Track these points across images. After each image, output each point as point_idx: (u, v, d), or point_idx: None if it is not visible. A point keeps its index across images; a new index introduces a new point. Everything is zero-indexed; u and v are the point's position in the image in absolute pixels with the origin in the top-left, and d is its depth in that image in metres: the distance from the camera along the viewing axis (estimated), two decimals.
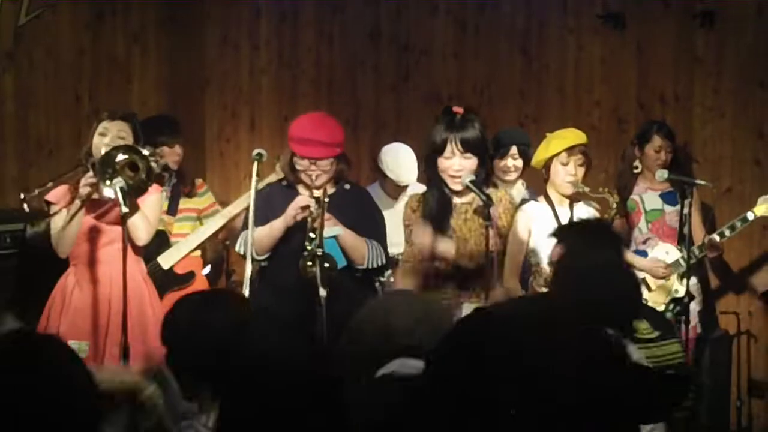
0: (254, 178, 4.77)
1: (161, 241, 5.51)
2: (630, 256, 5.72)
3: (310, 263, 4.54)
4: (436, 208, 4.63)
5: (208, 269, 6.12)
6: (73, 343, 4.79)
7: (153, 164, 4.74)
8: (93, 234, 4.93)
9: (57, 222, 4.88)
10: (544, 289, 5.00)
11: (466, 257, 4.63)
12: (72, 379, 2.02)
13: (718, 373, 5.99)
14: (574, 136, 5.16)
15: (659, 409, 2.65)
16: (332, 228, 4.75)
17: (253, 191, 4.73)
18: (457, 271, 4.63)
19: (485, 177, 4.69)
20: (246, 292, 4.52)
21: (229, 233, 5.84)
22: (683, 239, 5.60)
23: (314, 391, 2.16)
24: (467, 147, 4.53)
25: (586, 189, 5.07)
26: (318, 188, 4.80)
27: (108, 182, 4.62)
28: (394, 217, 5.31)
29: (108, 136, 4.88)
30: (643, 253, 5.82)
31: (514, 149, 5.63)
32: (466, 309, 4.51)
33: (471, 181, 4.55)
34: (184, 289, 5.67)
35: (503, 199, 4.73)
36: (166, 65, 7.05)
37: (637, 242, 5.91)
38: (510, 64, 6.85)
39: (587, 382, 1.76)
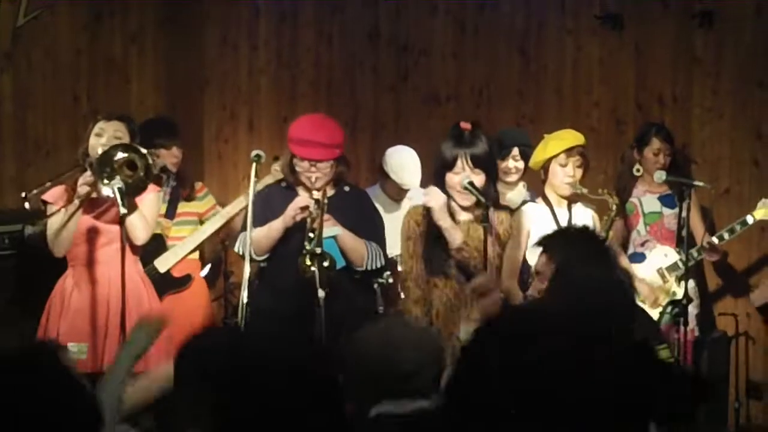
0: (252, 179, 4.77)
1: (158, 244, 5.51)
2: (625, 264, 5.73)
3: (308, 262, 4.55)
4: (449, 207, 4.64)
5: (206, 270, 6.12)
6: (72, 345, 4.81)
7: (151, 162, 4.75)
8: (91, 234, 4.93)
9: (54, 222, 4.87)
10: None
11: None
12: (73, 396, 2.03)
13: (717, 374, 5.99)
14: (572, 137, 5.16)
15: (685, 409, 2.62)
16: (331, 228, 4.76)
17: (251, 192, 4.73)
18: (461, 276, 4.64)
19: (494, 191, 4.70)
20: (244, 293, 4.53)
21: (228, 234, 5.83)
22: (682, 242, 5.60)
23: (315, 391, 2.16)
24: (477, 162, 4.56)
25: (585, 190, 5.07)
26: (318, 190, 4.80)
27: (106, 181, 4.63)
28: (394, 219, 5.31)
29: (104, 136, 4.89)
30: (641, 256, 5.82)
31: (515, 150, 5.62)
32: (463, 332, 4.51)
33: (469, 183, 4.55)
34: (181, 291, 5.67)
35: (504, 221, 4.72)
36: (164, 66, 7.05)
37: (635, 244, 5.92)
38: (508, 65, 6.85)
39: (618, 382, 1.75)
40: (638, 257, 5.82)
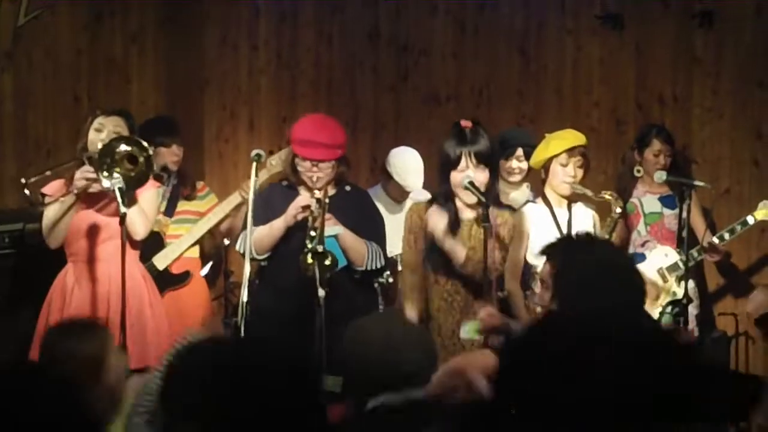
0: (253, 178, 4.78)
1: (156, 242, 5.51)
2: None
3: (310, 260, 4.56)
4: (450, 222, 4.65)
5: (206, 270, 6.12)
6: None
7: (151, 154, 4.76)
8: (91, 231, 4.93)
9: (50, 213, 4.88)
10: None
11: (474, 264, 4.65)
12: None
13: None
14: (573, 137, 5.16)
15: (737, 409, 2.61)
16: (332, 227, 4.77)
17: (252, 192, 4.74)
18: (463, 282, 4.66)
19: (496, 188, 4.72)
20: (244, 292, 4.53)
21: (229, 233, 5.84)
22: (682, 242, 5.60)
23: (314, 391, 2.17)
24: (481, 159, 4.56)
25: (588, 191, 5.07)
26: (319, 190, 4.81)
27: (106, 174, 4.63)
28: (396, 220, 5.31)
29: (104, 131, 4.89)
30: (642, 256, 5.82)
31: (519, 151, 5.63)
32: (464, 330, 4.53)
33: (469, 182, 4.56)
34: (180, 288, 5.68)
35: (508, 221, 4.72)
36: (164, 65, 7.05)
37: (635, 245, 5.92)
38: (508, 65, 6.85)
39: (663, 384, 1.75)
40: (638, 257, 5.81)
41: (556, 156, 5.08)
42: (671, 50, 6.53)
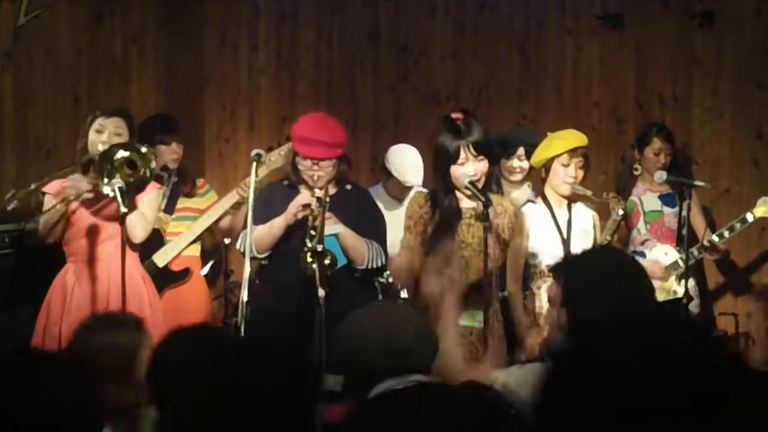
0: (253, 178, 4.78)
1: (156, 239, 5.52)
2: None
3: (310, 259, 4.56)
4: (448, 217, 4.64)
5: (206, 269, 6.12)
6: None
7: (151, 159, 4.77)
8: (91, 230, 4.94)
9: (44, 218, 4.94)
10: (543, 291, 5.01)
11: (466, 263, 4.65)
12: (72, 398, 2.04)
13: None
14: (576, 137, 5.15)
15: None
16: (333, 226, 4.78)
17: (252, 192, 4.74)
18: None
19: (496, 179, 4.72)
20: (244, 292, 4.53)
21: (229, 232, 5.84)
22: (682, 240, 5.61)
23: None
24: (479, 149, 4.56)
25: (588, 192, 5.06)
26: (320, 188, 4.81)
27: (106, 180, 4.64)
28: (396, 218, 5.31)
29: (105, 133, 4.90)
30: (642, 255, 5.82)
31: (521, 150, 5.62)
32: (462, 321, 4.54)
33: (470, 182, 4.56)
34: (180, 285, 5.68)
35: (508, 210, 4.72)
36: (164, 66, 7.05)
37: (635, 243, 5.92)
38: (508, 65, 6.85)
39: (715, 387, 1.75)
40: (638, 256, 5.81)
41: (557, 156, 5.07)
42: (671, 50, 6.54)
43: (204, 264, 6.07)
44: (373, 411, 2.90)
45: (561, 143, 5.10)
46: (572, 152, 5.06)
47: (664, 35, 6.53)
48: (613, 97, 6.66)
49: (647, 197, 5.94)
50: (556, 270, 3.29)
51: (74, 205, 4.90)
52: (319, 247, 4.56)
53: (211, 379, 2.13)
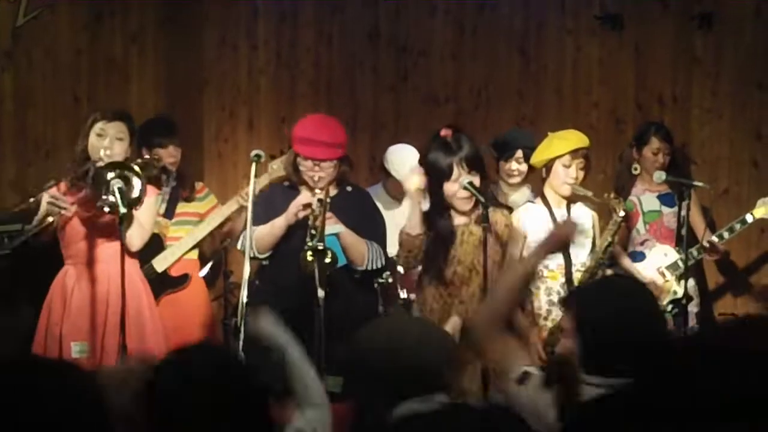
0: (252, 179, 4.79)
1: (156, 244, 5.51)
2: (627, 264, 5.73)
3: (310, 257, 4.56)
4: (442, 233, 4.66)
5: (206, 270, 6.12)
6: (75, 344, 4.83)
7: (153, 170, 4.80)
8: (90, 232, 4.94)
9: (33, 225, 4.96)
10: (541, 292, 5.01)
11: (460, 281, 4.68)
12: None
13: None
14: (577, 138, 5.15)
15: None
16: (333, 226, 4.78)
17: (251, 192, 4.75)
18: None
19: (490, 190, 4.76)
20: (244, 292, 4.53)
21: (229, 234, 5.83)
22: (681, 241, 5.60)
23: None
24: (471, 165, 4.59)
25: (588, 193, 5.06)
26: (321, 189, 4.82)
27: (103, 197, 4.64)
28: (395, 217, 5.32)
29: (107, 137, 4.89)
30: (641, 255, 5.82)
31: (519, 153, 5.60)
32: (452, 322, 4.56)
33: (469, 183, 4.56)
34: (178, 291, 5.67)
35: (498, 222, 4.74)
36: (164, 66, 7.04)
37: (634, 243, 5.91)
38: (508, 65, 6.85)
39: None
40: (638, 256, 5.82)
41: (559, 157, 5.07)
42: (671, 51, 6.54)
43: (203, 265, 6.06)
44: None
45: (562, 144, 5.09)
46: (573, 153, 5.06)
47: (664, 36, 6.54)
48: (613, 98, 6.66)
49: (646, 197, 5.94)
50: (566, 302, 3.29)
51: (72, 206, 4.91)
52: (320, 246, 4.57)
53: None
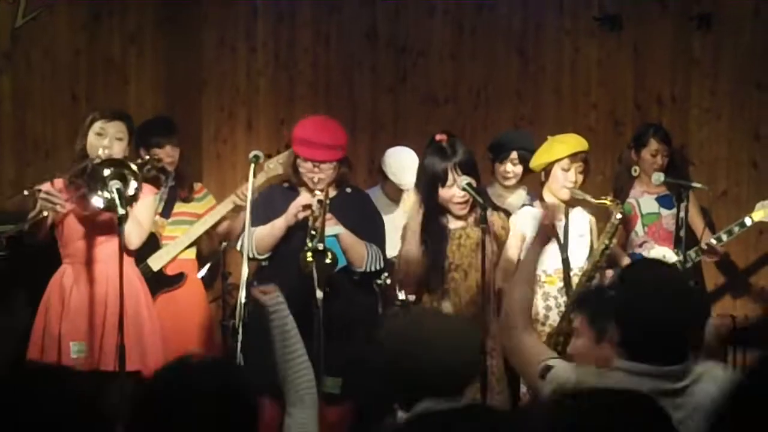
0: (251, 179, 4.79)
1: (152, 243, 5.51)
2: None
3: (310, 258, 4.56)
4: (437, 238, 4.67)
5: (204, 271, 6.12)
6: (74, 344, 4.82)
7: (145, 171, 4.79)
8: (88, 232, 4.94)
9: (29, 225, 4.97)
10: (538, 297, 5.00)
11: (456, 285, 4.69)
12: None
13: None
14: (577, 142, 5.14)
15: None
16: (333, 227, 4.78)
17: (250, 193, 4.75)
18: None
19: (486, 193, 4.78)
20: (242, 293, 4.53)
21: (227, 236, 5.83)
22: (680, 242, 5.60)
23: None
24: (465, 170, 4.62)
25: (587, 196, 5.05)
26: (320, 191, 4.82)
27: (99, 193, 4.64)
28: (393, 220, 5.32)
29: (106, 137, 4.90)
30: (640, 257, 5.82)
31: (514, 154, 5.57)
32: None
33: (467, 184, 4.57)
34: (174, 290, 5.67)
35: (495, 223, 4.75)
36: (163, 66, 7.04)
37: (633, 245, 5.92)
38: (507, 66, 6.85)
39: None
40: (636, 258, 5.81)
41: (558, 160, 5.06)
42: (669, 51, 6.54)
43: (201, 266, 6.06)
44: None
45: (562, 147, 5.08)
46: (573, 157, 5.05)
47: (663, 36, 6.54)
48: (612, 98, 6.67)
49: (645, 199, 5.94)
50: (577, 305, 3.29)
51: (71, 207, 4.91)
52: (320, 246, 4.57)
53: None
